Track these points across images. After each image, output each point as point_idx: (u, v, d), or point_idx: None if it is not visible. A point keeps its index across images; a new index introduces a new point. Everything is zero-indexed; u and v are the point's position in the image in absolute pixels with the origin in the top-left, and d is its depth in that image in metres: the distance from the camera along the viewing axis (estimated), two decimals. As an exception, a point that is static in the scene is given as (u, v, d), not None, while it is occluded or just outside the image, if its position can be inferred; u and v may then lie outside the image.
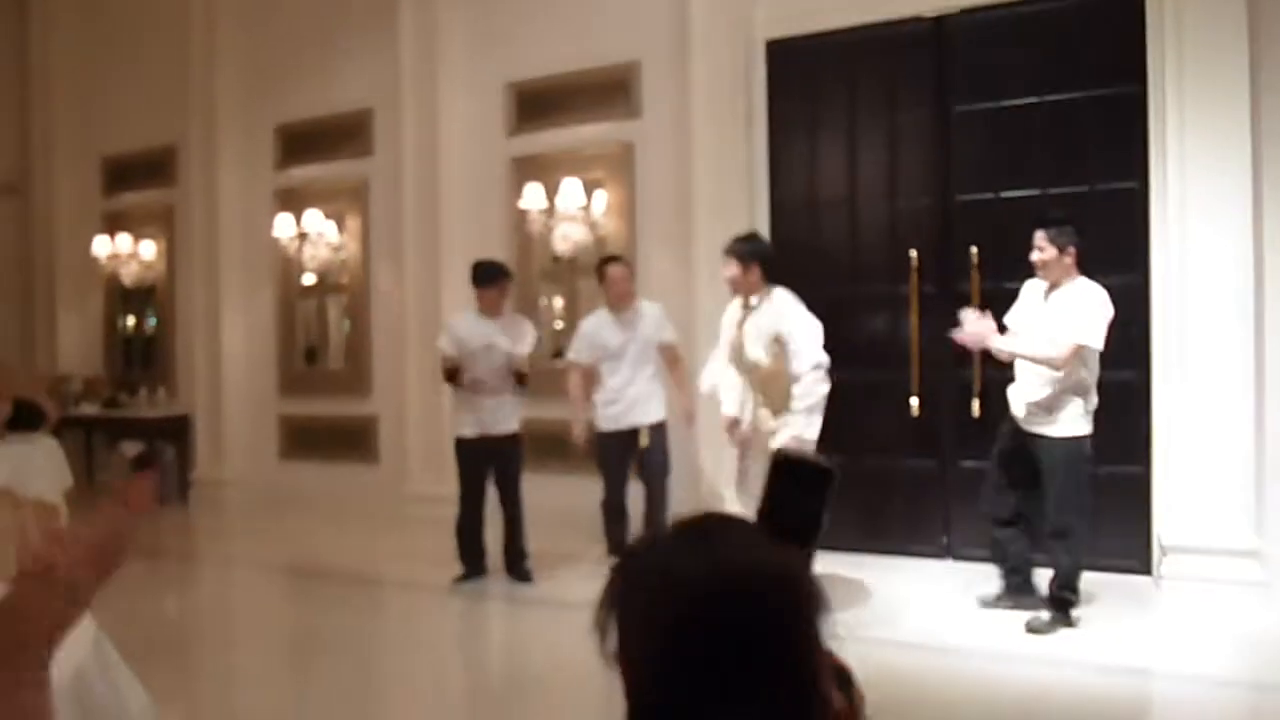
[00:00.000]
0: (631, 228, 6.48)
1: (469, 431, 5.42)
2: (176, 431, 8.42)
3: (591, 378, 5.48)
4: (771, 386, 4.67)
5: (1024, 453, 4.43)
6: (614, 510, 5.38)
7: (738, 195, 5.99)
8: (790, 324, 4.65)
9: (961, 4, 5.51)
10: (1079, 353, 4.25)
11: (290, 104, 7.92)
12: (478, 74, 7.04)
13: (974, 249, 5.38)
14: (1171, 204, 4.93)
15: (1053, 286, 4.39)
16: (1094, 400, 4.36)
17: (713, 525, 0.88)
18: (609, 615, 0.85)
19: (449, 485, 6.57)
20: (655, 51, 6.38)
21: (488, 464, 5.44)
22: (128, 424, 8.52)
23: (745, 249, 4.78)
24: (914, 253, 5.58)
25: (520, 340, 5.48)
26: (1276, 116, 4.77)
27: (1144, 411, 5.03)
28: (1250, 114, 4.75)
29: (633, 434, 5.37)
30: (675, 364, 5.52)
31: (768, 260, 4.80)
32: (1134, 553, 5.05)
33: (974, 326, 4.41)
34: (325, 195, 7.80)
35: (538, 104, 6.84)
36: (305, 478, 7.80)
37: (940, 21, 5.58)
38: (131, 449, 8.44)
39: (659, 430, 5.43)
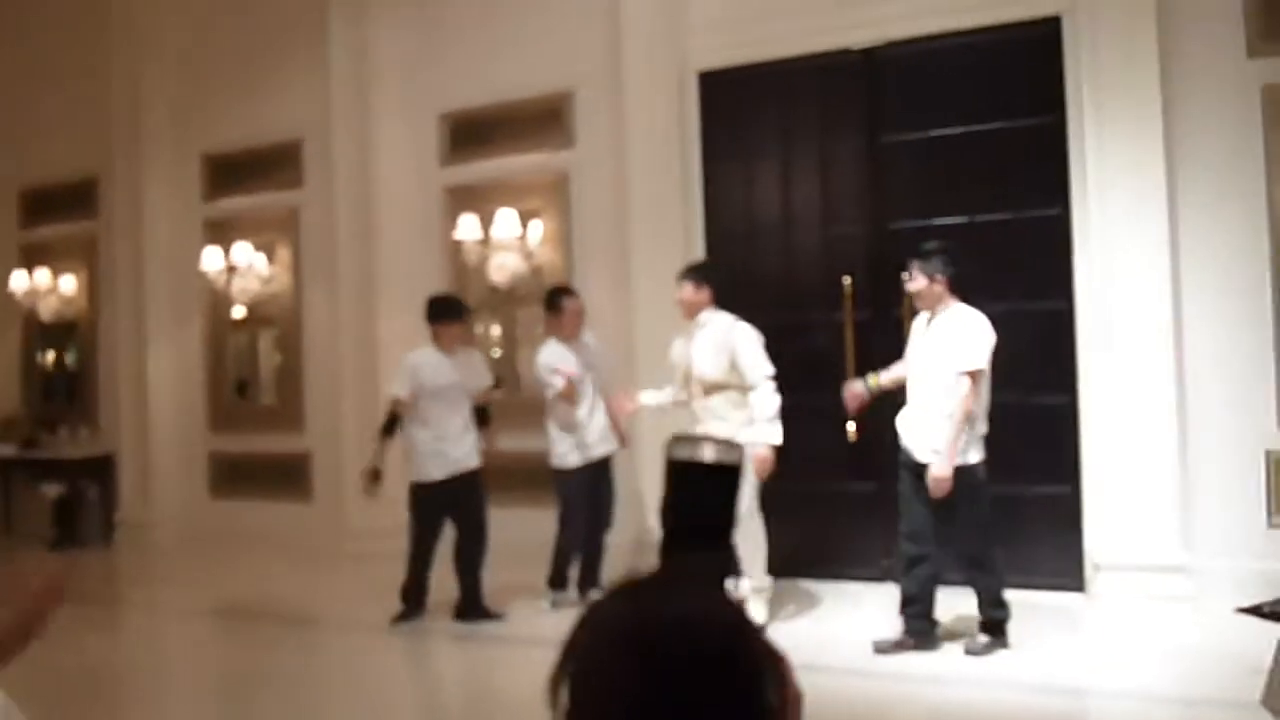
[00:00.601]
0: (568, 257, 6.47)
1: (438, 474, 5.27)
2: (100, 471, 8.13)
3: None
4: (721, 398, 4.85)
5: (920, 484, 4.37)
6: (576, 544, 5.40)
7: (673, 223, 6.02)
8: (739, 339, 4.80)
9: (889, 36, 5.63)
10: (977, 379, 4.29)
11: (218, 133, 7.76)
12: (410, 103, 6.98)
13: (905, 275, 5.45)
14: (1093, 230, 5.08)
15: (932, 315, 4.48)
16: (982, 427, 4.38)
17: (667, 579, 0.87)
18: (564, 673, 0.83)
19: (387, 520, 6.44)
20: (589, 81, 6.40)
21: (453, 506, 5.32)
22: (48, 464, 8.21)
23: (701, 271, 5.03)
24: (848, 279, 5.65)
25: (480, 375, 5.51)
26: (1189, 143, 4.96)
27: (1073, 433, 5.16)
28: (1164, 141, 4.94)
29: (602, 464, 5.42)
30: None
31: (718, 284, 4.99)
32: (1067, 571, 5.15)
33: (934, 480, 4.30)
34: (255, 226, 7.65)
35: (471, 133, 6.80)
36: (237, 516, 7.58)
37: (869, 54, 5.70)
38: (52, 490, 8.12)
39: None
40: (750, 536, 4.91)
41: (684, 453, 0.95)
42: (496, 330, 6.78)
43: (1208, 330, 4.94)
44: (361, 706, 4.27)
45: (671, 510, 0.95)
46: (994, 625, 4.38)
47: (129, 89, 7.96)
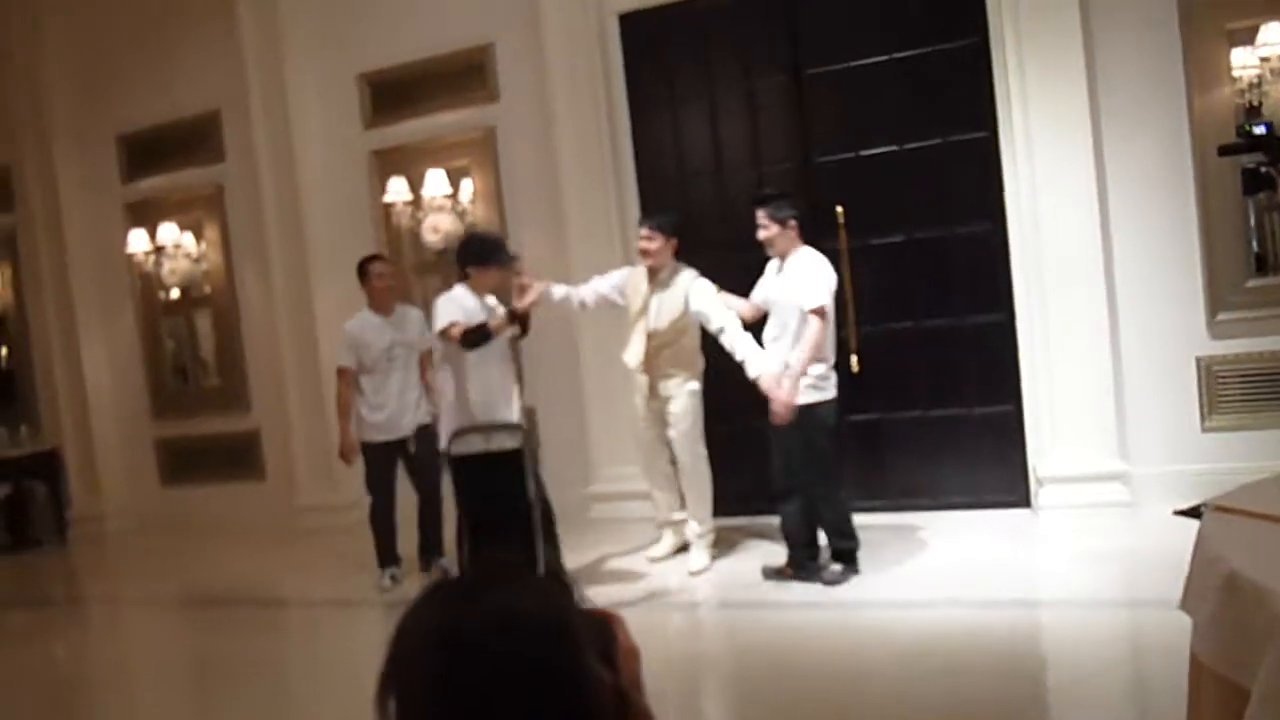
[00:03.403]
0: (500, 212, 6.38)
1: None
2: (45, 468, 7.94)
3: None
4: (665, 354, 4.85)
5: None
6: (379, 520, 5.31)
7: (603, 170, 5.95)
8: (700, 295, 4.76)
9: (806, -34, 5.55)
10: (823, 313, 4.34)
11: (131, 112, 7.49)
12: (327, 67, 6.78)
13: (839, 209, 5.46)
14: (1020, 151, 5.11)
15: (782, 258, 4.52)
16: (821, 369, 4.40)
17: (478, 577, 0.88)
18: (388, 681, 0.85)
19: (341, 494, 6.45)
20: (508, 32, 6.26)
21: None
22: (-10, 466, 8.01)
23: (669, 223, 4.89)
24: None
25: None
26: (1110, 59, 4.98)
27: (1011, 352, 5.23)
28: (1085, 60, 4.96)
29: (418, 438, 5.29)
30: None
31: (681, 236, 4.91)
32: (1013, 487, 5.26)
33: (776, 401, 4.34)
34: (179, 205, 7.44)
35: (393, 94, 6.64)
36: (190, 502, 7.48)
37: (787, -14, 5.62)
38: (-2, 491, 7.95)
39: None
40: (696, 480, 4.95)
41: (463, 448, 0.97)
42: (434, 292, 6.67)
43: (1136, 243, 5.01)
44: (337, 682, 4.25)
45: (467, 506, 0.98)
46: (843, 554, 4.49)
47: (29, 74, 7.64)
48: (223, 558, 6.63)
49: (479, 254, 4.70)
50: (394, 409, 5.22)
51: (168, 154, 7.42)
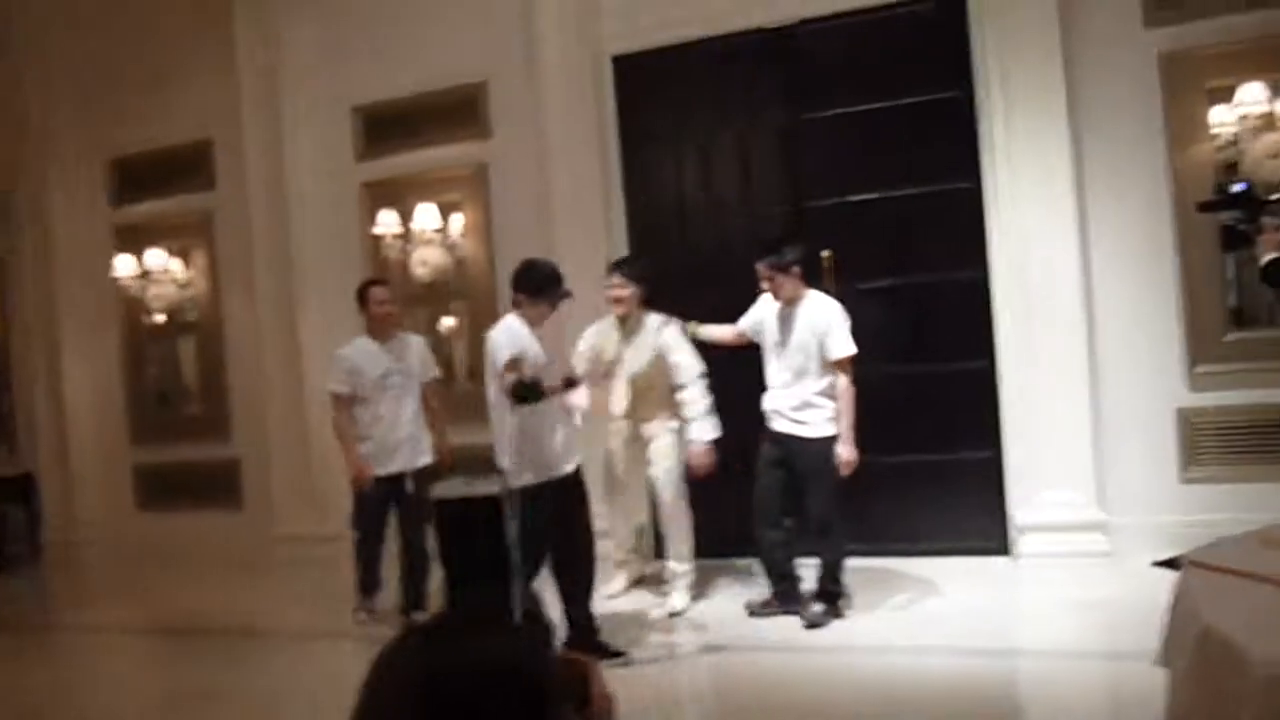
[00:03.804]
0: (490, 249, 6.41)
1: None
2: (21, 491, 7.84)
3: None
4: (649, 396, 4.91)
5: (783, 458, 4.56)
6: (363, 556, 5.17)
7: (595, 211, 5.99)
8: (670, 339, 4.82)
9: (800, 15, 5.65)
10: (851, 363, 4.46)
11: (124, 137, 7.50)
12: (322, 99, 6.83)
13: (827, 252, 5.51)
14: (1004, 201, 5.19)
15: (788, 303, 4.56)
16: (834, 407, 4.48)
17: (463, 621, 0.89)
18: (362, 718, 0.85)
19: (320, 525, 6.40)
20: (503, 70, 6.32)
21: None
22: (-35, 488, 7.91)
23: (640, 271, 4.92)
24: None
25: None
26: (1092, 112, 5.08)
27: (993, 399, 5.27)
28: (1068, 111, 5.05)
29: (411, 476, 5.06)
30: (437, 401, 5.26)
31: (652, 282, 4.96)
32: (993, 535, 5.28)
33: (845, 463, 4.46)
34: (168, 231, 7.44)
35: (386, 127, 6.68)
36: (166, 529, 7.39)
37: (781, 32, 5.71)
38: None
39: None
40: (677, 517, 4.95)
41: (444, 491, 0.98)
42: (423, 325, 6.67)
43: (1117, 294, 5.08)
44: (305, 716, 4.20)
45: (448, 552, 0.99)
46: (830, 596, 4.53)
47: (26, 95, 7.66)
48: (196, 586, 6.54)
49: (537, 285, 4.29)
50: (386, 440, 4.97)
51: (159, 179, 7.42)
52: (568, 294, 4.38)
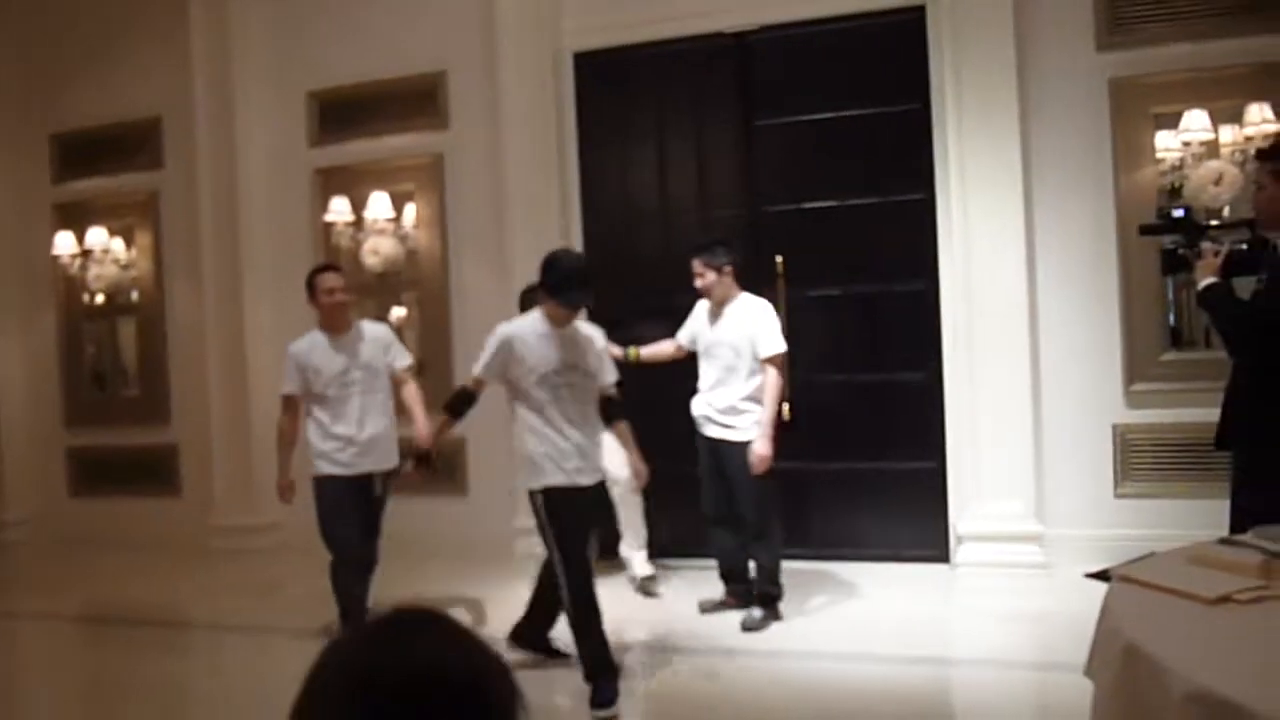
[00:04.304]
0: (444, 240, 6.34)
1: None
2: (-54, 471, 7.60)
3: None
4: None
5: (715, 463, 4.58)
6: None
7: (550, 206, 5.96)
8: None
9: (762, 21, 5.68)
10: (781, 361, 4.47)
11: (68, 111, 7.28)
12: (276, 81, 6.70)
13: (779, 258, 5.55)
14: (955, 215, 5.26)
15: (719, 304, 4.58)
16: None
17: (409, 621, 0.87)
18: (302, 713, 0.83)
19: (258, 516, 6.29)
20: (463, 61, 6.26)
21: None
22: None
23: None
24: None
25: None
26: (1043, 132, 5.18)
27: (937, 409, 5.34)
28: (1020, 133, 5.14)
29: (377, 477, 4.56)
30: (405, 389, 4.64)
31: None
32: (934, 543, 5.36)
33: (755, 454, 4.40)
34: (111, 210, 7.24)
35: (342, 113, 6.58)
36: (100, 515, 7.20)
37: (741, 38, 5.73)
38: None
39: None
40: (630, 524, 5.00)
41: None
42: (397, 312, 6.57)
43: (1061, 311, 5.18)
44: (236, 710, 4.12)
45: None
46: (767, 599, 4.56)
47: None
48: (129, 574, 6.38)
49: (553, 283, 3.77)
50: (351, 441, 4.39)
51: (103, 157, 7.21)
52: (583, 303, 3.84)
